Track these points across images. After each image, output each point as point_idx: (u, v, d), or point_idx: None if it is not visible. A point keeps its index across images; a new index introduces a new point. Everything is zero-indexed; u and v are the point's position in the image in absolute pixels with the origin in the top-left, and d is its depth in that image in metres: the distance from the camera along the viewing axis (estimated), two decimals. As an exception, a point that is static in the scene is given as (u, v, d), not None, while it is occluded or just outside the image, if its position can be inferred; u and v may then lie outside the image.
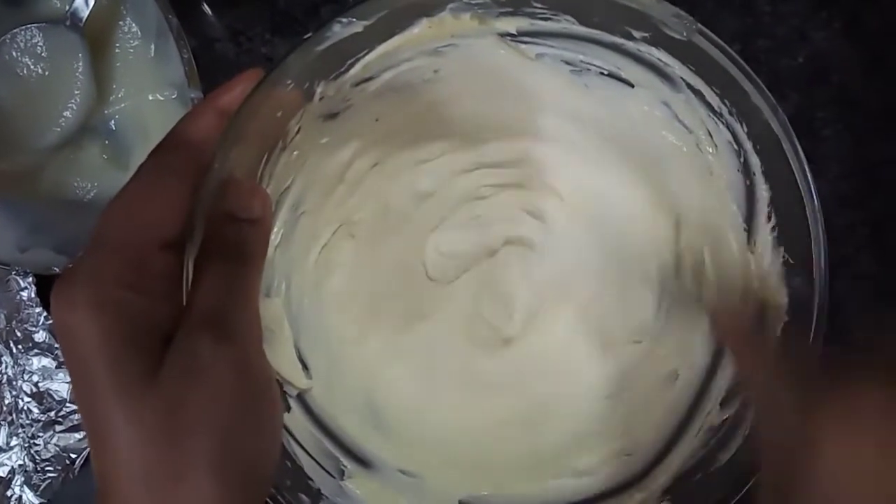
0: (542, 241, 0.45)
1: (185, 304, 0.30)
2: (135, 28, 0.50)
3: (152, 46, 0.50)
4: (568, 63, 0.42)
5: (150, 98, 0.51)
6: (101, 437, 0.28)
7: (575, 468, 0.43)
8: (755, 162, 0.40)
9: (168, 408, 0.27)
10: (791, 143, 0.37)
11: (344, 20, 0.37)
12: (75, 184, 0.51)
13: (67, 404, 0.50)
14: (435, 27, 0.40)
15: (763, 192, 0.40)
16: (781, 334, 0.39)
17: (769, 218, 0.40)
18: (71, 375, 0.28)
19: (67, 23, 0.48)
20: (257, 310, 0.31)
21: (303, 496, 0.39)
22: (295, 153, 0.40)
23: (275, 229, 0.41)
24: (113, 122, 0.51)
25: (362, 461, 0.43)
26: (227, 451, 0.28)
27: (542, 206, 0.45)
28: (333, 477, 0.41)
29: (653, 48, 0.40)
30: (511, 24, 0.41)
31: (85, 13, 0.48)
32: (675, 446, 0.42)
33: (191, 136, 0.32)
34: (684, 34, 0.38)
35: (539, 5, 0.39)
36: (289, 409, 0.41)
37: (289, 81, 0.36)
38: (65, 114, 0.49)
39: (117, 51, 0.51)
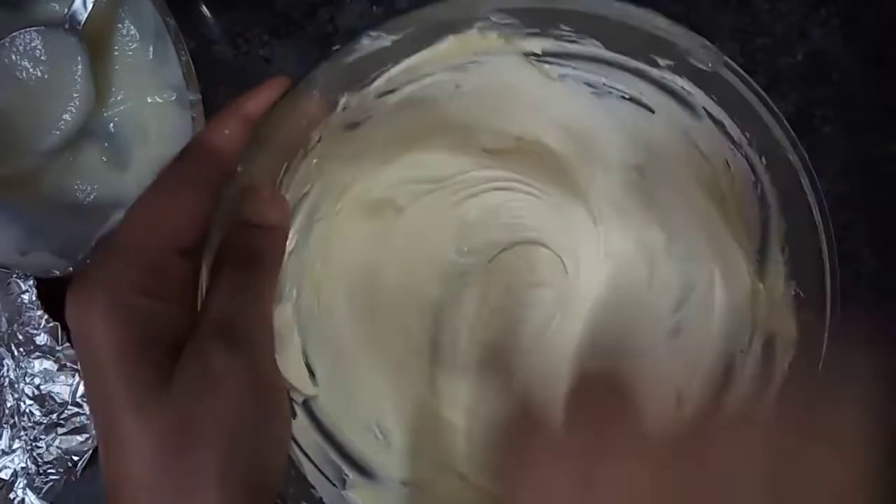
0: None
1: (199, 311, 0.30)
2: (133, 31, 0.50)
3: (150, 49, 0.50)
4: (589, 85, 0.42)
5: (149, 100, 0.50)
6: (112, 444, 0.28)
7: None
8: (772, 194, 0.40)
9: (178, 418, 0.27)
10: (809, 177, 0.38)
11: (373, 34, 0.37)
12: (75, 186, 0.51)
13: (69, 407, 0.50)
14: (461, 44, 0.40)
15: (778, 224, 0.40)
16: (788, 368, 0.39)
17: (783, 251, 0.40)
18: (84, 380, 0.29)
19: (66, 26, 0.48)
20: (270, 318, 0.31)
21: None
22: (314, 161, 0.40)
23: (290, 235, 0.41)
24: (112, 124, 0.51)
25: (364, 471, 0.43)
26: (235, 463, 0.28)
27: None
28: (335, 486, 0.41)
29: (677, 76, 0.39)
30: (537, 45, 0.41)
31: (83, 16, 0.48)
32: None
33: (214, 144, 0.32)
34: (710, 65, 0.38)
35: (566, 28, 0.39)
36: (294, 415, 0.41)
37: (315, 92, 0.37)
38: (64, 117, 0.49)
39: (116, 53, 0.50)
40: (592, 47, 0.40)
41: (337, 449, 0.42)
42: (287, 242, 0.36)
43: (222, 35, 0.53)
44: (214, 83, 0.49)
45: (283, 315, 0.41)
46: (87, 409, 0.50)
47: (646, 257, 0.45)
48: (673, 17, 0.38)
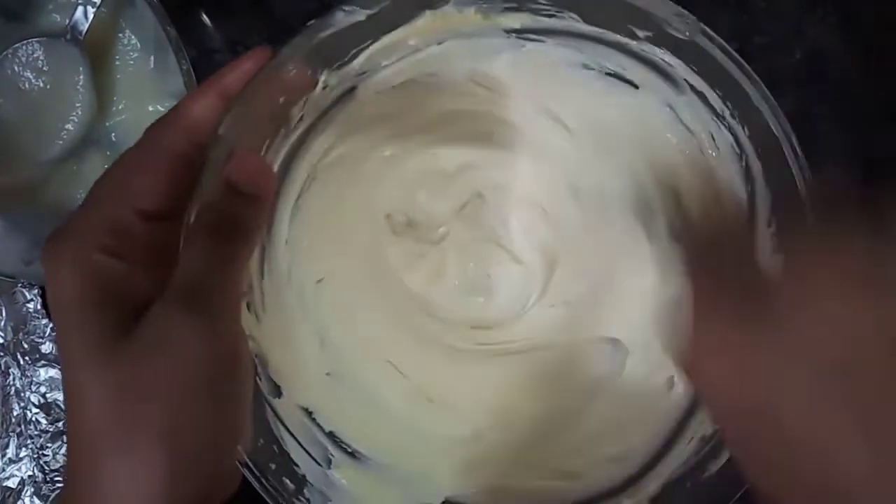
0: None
1: (169, 272, 0.30)
2: (134, 40, 0.51)
3: (152, 58, 0.50)
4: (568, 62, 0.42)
5: (151, 109, 0.51)
6: (72, 395, 0.29)
7: (563, 470, 0.43)
8: (756, 166, 0.40)
9: (129, 372, 0.28)
10: (791, 147, 0.38)
11: (347, 8, 0.37)
12: (78, 195, 0.51)
13: (75, 414, 0.50)
14: (438, 20, 0.40)
15: (764, 196, 0.40)
16: None
17: (769, 223, 0.40)
18: (55, 330, 0.30)
19: (68, 36, 0.49)
20: (240, 287, 0.32)
21: (287, 481, 0.39)
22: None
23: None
24: (114, 133, 0.51)
25: (349, 451, 0.43)
26: (182, 424, 0.28)
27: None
28: (320, 465, 0.41)
29: (656, 48, 0.40)
30: (515, 20, 0.41)
31: (84, 27, 0.49)
32: (667, 454, 0.42)
33: (190, 114, 0.33)
34: (687, 34, 0.38)
35: (543, 2, 0.39)
36: (279, 394, 0.41)
37: (291, 67, 0.37)
38: (67, 127, 0.49)
39: (117, 63, 0.51)
40: (571, 21, 0.40)
41: (321, 428, 0.42)
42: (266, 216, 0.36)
43: (222, 43, 0.53)
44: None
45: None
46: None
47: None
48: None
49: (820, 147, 0.51)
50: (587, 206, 0.44)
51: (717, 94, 0.39)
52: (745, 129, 0.39)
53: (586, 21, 0.40)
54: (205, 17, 0.53)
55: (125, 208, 0.31)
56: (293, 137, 0.40)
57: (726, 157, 0.41)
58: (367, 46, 0.39)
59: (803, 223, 0.36)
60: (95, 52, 0.50)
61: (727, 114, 0.40)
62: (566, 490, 0.42)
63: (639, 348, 0.43)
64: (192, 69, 0.47)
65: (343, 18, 0.37)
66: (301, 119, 0.40)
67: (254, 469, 0.37)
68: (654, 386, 0.43)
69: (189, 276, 0.29)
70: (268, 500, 0.38)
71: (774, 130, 0.38)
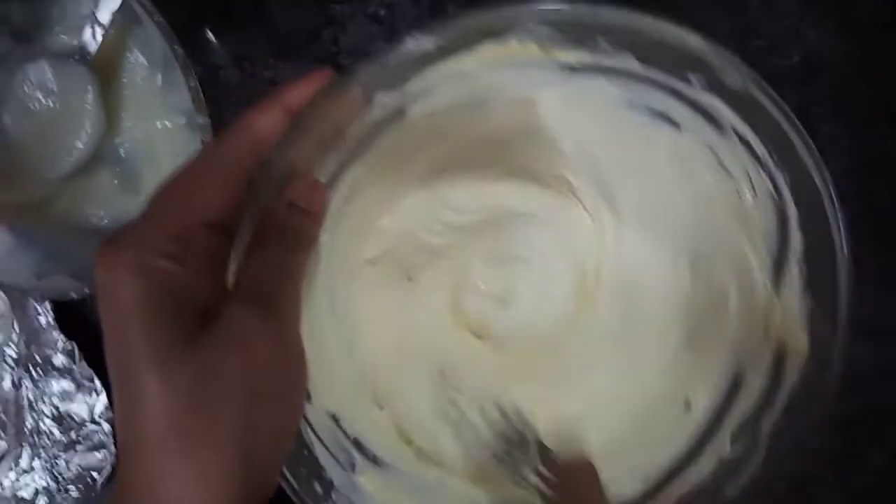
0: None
1: (229, 283, 0.31)
2: (142, 59, 0.52)
3: (159, 76, 0.51)
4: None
5: (159, 125, 0.52)
6: (130, 402, 0.28)
7: None
8: (793, 212, 0.40)
9: (202, 373, 0.28)
10: (830, 197, 0.38)
11: (416, 36, 0.38)
12: (89, 211, 0.52)
13: (88, 424, 0.51)
14: (499, 50, 0.40)
15: (797, 242, 0.40)
16: (799, 379, 0.39)
17: (799, 266, 0.40)
18: (106, 337, 0.29)
19: (76, 56, 0.50)
20: (300, 294, 0.32)
21: (316, 485, 0.40)
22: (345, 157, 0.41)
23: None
24: (123, 150, 0.52)
25: (373, 459, 0.43)
26: (254, 424, 0.28)
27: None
28: (346, 470, 0.42)
29: (706, 93, 0.40)
30: (572, 56, 0.41)
31: (93, 47, 0.50)
32: (681, 473, 0.42)
33: (254, 128, 0.33)
34: (740, 82, 0.38)
35: (603, 40, 0.40)
36: (309, 398, 0.41)
37: (355, 88, 0.37)
38: (77, 144, 0.50)
39: (125, 81, 0.52)
40: (627, 61, 0.40)
41: (347, 434, 0.43)
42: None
43: (228, 59, 0.54)
44: (222, 106, 0.50)
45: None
46: (105, 426, 0.51)
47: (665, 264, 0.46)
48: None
49: (821, 147, 0.51)
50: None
51: (760, 140, 0.40)
52: (786, 176, 0.39)
53: (642, 62, 0.40)
54: (210, 34, 0.54)
55: (189, 217, 0.31)
56: (342, 154, 0.41)
57: (763, 201, 0.41)
58: (425, 71, 0.40)
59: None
60: (104, 71, 0.51)
61: (770, 162, 0.40)
62: None
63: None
64: (199, 86, 0.48)
65: (411, 46, 0.38)
66: (351, 137, 0.40)
67: (286, 473, 0.38)
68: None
69: (256, 282, 0.31)
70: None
71: (816, 181, 0.38)
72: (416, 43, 0.38)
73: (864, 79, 0.51)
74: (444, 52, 0.39)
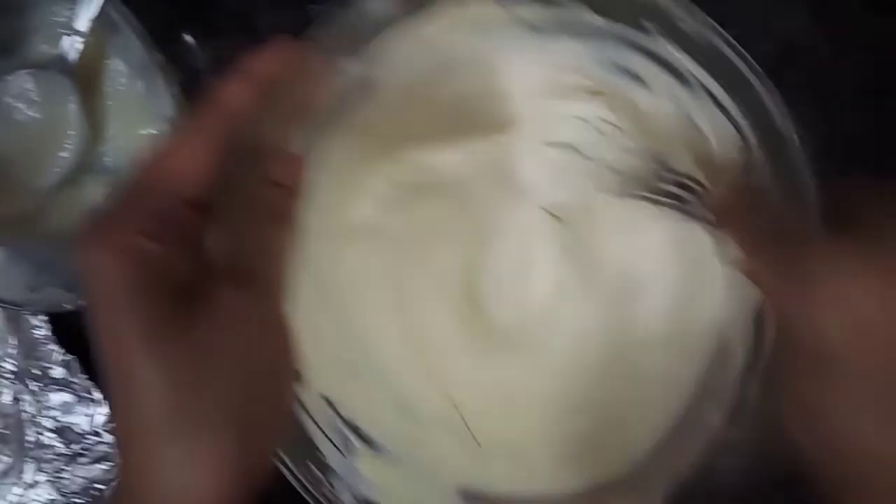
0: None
1: (210, 257, 0.31)
2: (122, 66, 0.51)
3: (141, 83, 0.51)
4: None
5: (143, 132, 0.52)
6: (123, 387, 0.28)
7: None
8: (761, 159, 0.42)
9: (195, 352, 0.28)
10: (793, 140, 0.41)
11: None
12: (78, 221, 0.52)
13: (90, 437, 0.51)
14: (457, 11, 0.41)
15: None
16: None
17: None
18: (94, 321, 0.29)
19: (57, 67, 0.49)
20: (285, 270, 0.33)
21: (313, 467, 0.40)
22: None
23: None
24: (108, 158, 0.52)
25: (368, 441, 0.44)
26: (248, 401, 0.29)
27: None
28: (343, 453, 0.42)
29: (665, 41, 0.41)
30: (528, 13, 0.42)
31: (72, 56, 0.49)
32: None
33: (224, 102, 0.33)
34: (696, 29, 0.39)
35: None
36: (299, 377, 0.41)
37: (320, 55, 0.38)
38: (62, 155, 0.50)
39: (108, 90, 0.52)
40: (582, 13, 0.41)
41: (342, 418, 0.43)
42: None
43: (208, 63, 0.54)
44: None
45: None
46: (108, 437, 0.51)
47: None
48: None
49: (801, 128, 0.52)
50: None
51: (722, 87, 0.40)
52: (749, 120, 0.41)
53: (598, 13, 0.41)
54: (189, 38, 0.54)
55: (167, 194, 0.31)
56: (314, 124, 0.41)
57: (730, 149, 0.42)
58: (385, 33, 0.40)
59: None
60: (85, 80, 0.51)
61: (734, 108, 0.41)
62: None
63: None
64: (181, 92, 0.48)
65: (370, 8, 0.38)
66: (320, 107, 0.41)
67: (283, 456, 0.39)
68: None
69: (241, 261, 0.31)
70: (298, 488, 0.39)
71: (779, 125, 0.41)
72: (375, 4, 0.38)
73: (841, 58, 0.52)
74: (403, 15, 0.39)
